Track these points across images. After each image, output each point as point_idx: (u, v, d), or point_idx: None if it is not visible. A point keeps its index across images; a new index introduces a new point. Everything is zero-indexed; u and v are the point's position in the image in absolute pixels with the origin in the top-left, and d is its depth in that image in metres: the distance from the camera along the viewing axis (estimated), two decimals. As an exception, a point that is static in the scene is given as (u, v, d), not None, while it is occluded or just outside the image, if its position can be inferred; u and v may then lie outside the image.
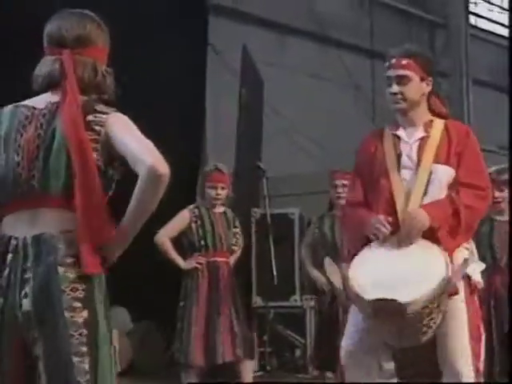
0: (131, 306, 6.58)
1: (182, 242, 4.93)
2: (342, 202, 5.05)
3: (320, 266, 5.09)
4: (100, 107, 2.14)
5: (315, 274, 5.19)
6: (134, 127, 2.11)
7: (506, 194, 4.35)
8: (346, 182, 5.04)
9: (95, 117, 2.11)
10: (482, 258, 4.38)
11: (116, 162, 2.13)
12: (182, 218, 4.86)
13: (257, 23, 9.25)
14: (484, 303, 4.35)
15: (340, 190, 5.08)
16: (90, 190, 2.04)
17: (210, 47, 7.52)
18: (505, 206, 4.47)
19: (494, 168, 4.45)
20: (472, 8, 12.38)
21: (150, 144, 2.05)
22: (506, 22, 13.61)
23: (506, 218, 4.50)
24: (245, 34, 8.24)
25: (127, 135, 2.09)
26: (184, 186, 5.35)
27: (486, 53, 12.51)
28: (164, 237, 4.81)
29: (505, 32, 13.58)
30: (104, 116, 2.12)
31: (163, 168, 2.01)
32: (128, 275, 5.88)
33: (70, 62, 2.13)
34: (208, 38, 7.28)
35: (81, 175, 2.03)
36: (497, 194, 4.37)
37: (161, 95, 6.10)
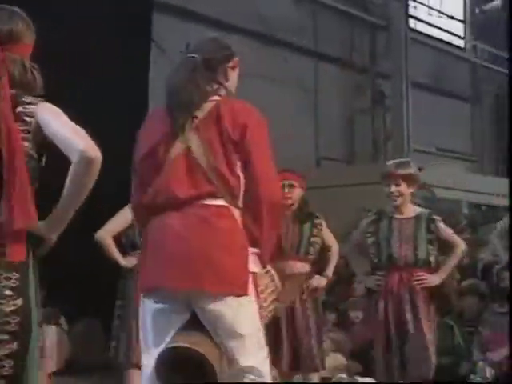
0: (72, 303, 6.49)
1: (121, 240, 4.88)
2: (288, 202, 5.07)
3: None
4: (29, 99, 2.18)
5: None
6: (64, 115, 2.17)
7: (402, 188, 4.28)
8: (292, 182, 5.06)
9: (24, 108, 2.16)
10: (380, 257, 4.39)
11: (48, 150, 2.18)
12: (125, 216, 4.81)
13: (202, 22, 9.22)
14: (380, 302, 4.35)
15: (286, 189, 5.08)
16: (17, 177, 2.08)
17: (155, 44, 7.48)
18: (402, 202, 4.32)
19: (391, 162, 4.40)
20: (412, 11, 12.58)
21: (81, 130, 2.12)
22: (444, 26, 13.89)
23: (405, 215, 4.36)
24: (190, 32, 8.21)
25: (58, 123, 2.14)
26: (128, 184, 5.30)
27: (425, 56, 12.75)
28: (106, 234, 4.77)
29: (443, 36, 13.86)
30: (33, 107, 2.17)
31: (95, 152, 2.10)
32: (71, 271, 5.81)
33: (1, 57, 2.16)
34: (152, 35, 7.24)
35: (9, 164, 2.07)
36: (393, 188, 4.29)
37: (103, 91, 6.03)
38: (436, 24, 13.62)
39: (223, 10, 9.48)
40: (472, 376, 5.82)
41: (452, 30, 14.08)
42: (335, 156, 11.41)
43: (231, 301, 2.50)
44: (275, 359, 4.86)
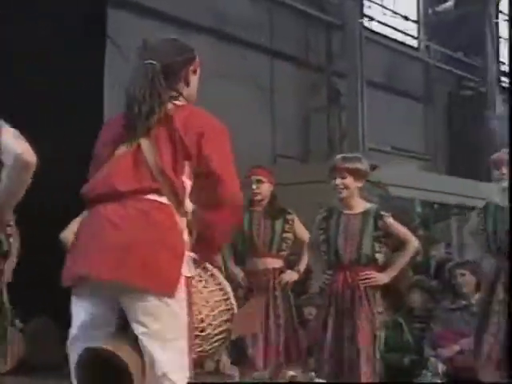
0: (27, 302, 6.40)
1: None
2: (258, 197, 5.08)
3: (241, 263, 5.12)
4: None
5: (236, 271, 5.17)
6: None
7: (348, 181, 4.24)
8: (260, 178, 5.07)
9: None
10: (329, 255, 4.32)
11: None
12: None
13: (158, 18, 9.16)
14: (326, 302, 4.34)
15: (254, 185, 5.09)
16: None
17: (110, 40, 7.40)
18: (347, 195, 4.27)
19: (339, 156, 4.39)
20: (367, 11, 12.69)
21: (16, 133, 2.16)
22: (398, 26, 14.04)
23: (353, 211, 4.30)
24: (145, 29, 8.14)
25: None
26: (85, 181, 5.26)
27: (380, 56, 12.87)
28: (70, 234, 4.71)
29: (398, 36, 14.01)
30: None
31: (30, 156, 2.21)
32: (24, 269, 5.73)
33: None
34: (107, 31, 7.17)
35: None
36: (338, 181, 4.25)
37: (58, 87, 5.96)
38: (390, 24, 13.77)
39: (180, 7, 9.43)
40: (424, 371, 5.91)
41: (406, 31, 14.25)
42: (291, 154, 11.44)
43: (157, 299, 2.41)
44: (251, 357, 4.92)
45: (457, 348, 5.86)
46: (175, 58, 2.61)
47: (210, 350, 2.71)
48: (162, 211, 2.44)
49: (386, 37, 13.44)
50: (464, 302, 6.08)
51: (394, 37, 13.76)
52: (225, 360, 6.55)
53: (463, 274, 6.12)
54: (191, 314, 2.51)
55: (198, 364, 6.95)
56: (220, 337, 2.68)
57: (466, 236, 4.97)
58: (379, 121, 11.69)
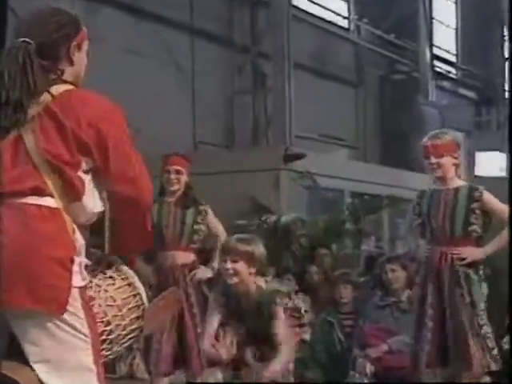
0: None
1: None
2: (175, 187, 5.07)
3: (150, 258, 5.09)
4: None
5: (143, 267, 5.14)
6: None
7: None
8: (179, 168, 5.06)
9: None
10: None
11: None
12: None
13: (66, -10, 8.98)
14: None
15: (173, 176, 5.07)
16: None
17: (11, 12, 7.26)
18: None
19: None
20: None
21: None
22: (328, 5, 14.16)
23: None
24: (49, 0, 7.98)
25: None
26: None
27: (309, 36, 12.95)
28: None
29: (327, 15, 14.12)
30: None
31: None
32: None
33: None
34: (8, 2, 7.04)
35: None
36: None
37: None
38: (319, 2, 13.88)
39: (91, -21, 9.26)
40: (351, 373, 6.02)
41: (336, 10, 14.38)
42: (213, 140, 11.43)
43: (46, 321, 2.33)
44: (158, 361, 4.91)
45: (385, 347, 5.99)
46: (52, 36, 2.42)
47: (120, 351, 2.71)
48: (43, 220, 2.34)
49: (314, 16, 13.52)
50: (393, 299, 6.20)
51: (323, 16, 13.87)
52: (138, 363, 6.52)
53: (393, 270, 6.24)
54: (92, 322, 2.46)
55: (109, 369, 6.91)
56: (131, 336, 2.67)
57: (407, 231, 5.12)
58: (307, 106, 11.78)
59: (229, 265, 4.12)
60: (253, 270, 4.13)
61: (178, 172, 5.06)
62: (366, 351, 6.03)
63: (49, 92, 2.42)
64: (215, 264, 5.09)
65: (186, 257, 5.06)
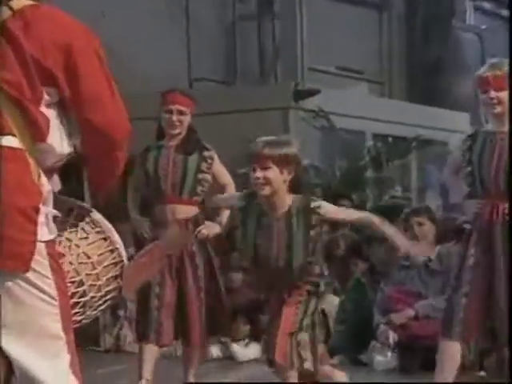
0: None
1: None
2: (176, 131, 5.03)
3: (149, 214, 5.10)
4: None
5: (139, 219, 5.14)
6: None
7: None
8: (183, 108, 5.01)
9: None
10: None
11: None
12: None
13: None
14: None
15: (175, 117, 5.03)
16: None
17: None
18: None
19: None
20: None
21: None
22: None
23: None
24: None
25: None
26: None
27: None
28: None
29: None
30: None
31: None
32: None
33: None
34: None
35: None
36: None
37: None
38: None
39: None
40: (372, 343, 6.06)
41: None
42: (212, 76, 11.38)
43: (6, 280, 2.35)
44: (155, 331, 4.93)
45: (411, 313, 6.01)
46: None
47: (96, 314, 2.72)
48: (4, 161, 2.33)
49: None
50: (422, 258, 6.21)
51: None
52: (126, 334, 6.58)
53: (421, 224, 6.25)
54: (61, 282, 2.46)
55: (91, 341, 6.98)
56: (107, 298, 2.70)
57: (448, 178, 5.01)
58: (322, 33, 11.67)
59: (259, 173, 4.02)
60: (288, 177, 4.03)
61: (181, 113, 5.03)
62: (388, 317, 6.06)
63: (8, 6, 2.39)
64: (223, 218, 5.09)
65: (188, 210, 5.05)
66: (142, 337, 5.08)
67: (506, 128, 4.60)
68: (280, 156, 3.97)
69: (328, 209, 4.07)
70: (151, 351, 5.00)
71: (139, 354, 5.07)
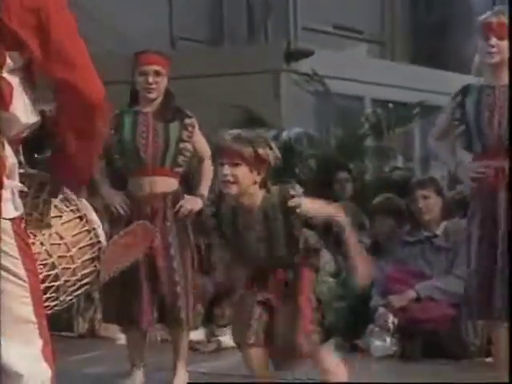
0: None
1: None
2: (153, 95, 5.03)
3: (122, 187, 5.10)
4: None
5: (111, 194, 5.11)
6: None
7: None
8: (159, 69, 5.01)
9: None
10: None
11: None
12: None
13: None
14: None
15: (151, 79, 5.02)
16: None
17: None
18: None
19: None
20: None
21: None
22: None
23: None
24: None
25: None
26: None
27: None
28: None
29: None
30: None
31: None
32: None
33: None
34: None
35: None
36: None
37: None
38: None
39: None
40: (370, 327, 6.09)
41: None
42: (196, 35, 11.38)
43: None
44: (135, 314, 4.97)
45: (412, 294, 6.04)
46: None
47: (71, 300, 2.72)
48: None
49: None
50: (426, 233, 6.23)
51: None
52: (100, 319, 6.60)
53: (426, 197, 6.24)
54: (30, 263, 2.46)
55: (63, 326, 7.01)
56: (83, 282, 2.69)
57: (434, 145, 4.97)
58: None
59: (226, 170, 3.96)
60: (258, 178, 3.95)
61: (157, 74, 5.02)
62: (388, 299, 6.09)
63: None
64: (204, 191, 5.10)
65: (168, 183, 5.06)
66: (119, 321, 5.15)
67: (505, 81, 4.57)
68: (250, 155, 3.89)
69: (308, 208, 3.95)
70: (135, 337, 5.08)
71: (126, 341, 5.20)
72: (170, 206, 5.03)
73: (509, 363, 4.36)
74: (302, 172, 8.68)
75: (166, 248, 4.99)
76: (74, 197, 2.70)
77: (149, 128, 5.05)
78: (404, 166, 9.97)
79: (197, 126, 5.13)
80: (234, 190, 3.91)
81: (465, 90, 4.73)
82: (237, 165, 3.89)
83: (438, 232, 6.19)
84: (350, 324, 6.10)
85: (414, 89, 10.45)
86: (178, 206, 5.01)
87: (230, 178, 3.88)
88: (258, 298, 4.05)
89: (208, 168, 5.06)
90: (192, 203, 5.05)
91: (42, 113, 2.57)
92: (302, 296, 3.99)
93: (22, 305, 2.43)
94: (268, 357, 3.99)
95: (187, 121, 5.09)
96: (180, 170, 5.10)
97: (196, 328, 5.75)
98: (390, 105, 10.15)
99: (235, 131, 3.99)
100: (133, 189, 5.06)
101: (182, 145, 5.06)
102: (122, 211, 5.01)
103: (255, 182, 3.90)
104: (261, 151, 3.89)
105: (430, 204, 6.22)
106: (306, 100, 9.53)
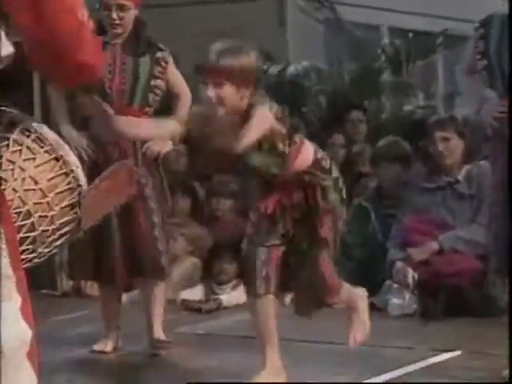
0: None
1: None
2: (118, 30, 5.03)
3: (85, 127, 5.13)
4: None
5: (74, 135, 5.10)
6: None
7: None
8: (123, 2, 4.99)
9: None
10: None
11: None
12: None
13: None
14: None
15: (114, 14, 4.99)
16: None
17: None
18: None
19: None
20: None
21: None
22: None
23: None
24: None
25: None
26: None
27: None
28: None
29: None
30: None
31: None
32: None
33: None
34: None
35: None
36: None
37: None
38: None
39: None
40: (387, 282, 6.13)
41: None
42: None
43: None
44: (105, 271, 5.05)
45: (434, 246, 6.07)
46: None
47: (50, 252, 2.73)
48: None
49: None
50: (447, 179, 6.25)
51: None
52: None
53: (446, 139, 6.23)
54: (3, 212, 2.47)
55: (45, 283, 7.06)
56: (63, 231, 2.68)
57: (460, 77, 4.98)
58: None
59: (210, 91, 4.06)
60: (246, 93, 4.07)
61: (122, 8, 5.01)
62: (407, 252, 6.12)
63: None
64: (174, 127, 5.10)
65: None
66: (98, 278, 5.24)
67: None
68: (235, 69, 4.01)
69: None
70: (111, 295, 5.18)
71: (100, 301, 5.28)
72: (139, 148, 5.07)
73: (509, 363, 4.40)
74: (310, 110, 8.70)
75: (141, 196, 5.03)
76: (49, 135, 2.66)
77: (116, 61, 5.04)
78: (425, 104, 9.96)
79: (171, 61, 5.12)
80: (220, 111, 4.06)
81: (487, 21, 4.69)
82: (221, 85, 4.01)
83: (460, 177, 6.20)
84: (365, 279, 6.18)
85: (436, 16, 10.41)
86: (144, 148, 5.05)
87: (215, 100, 4.02)
88: (266, 242, 4.19)
89: (185, 107, 5.04)
90: (159, 146, 5.08)
91: (16, 44, 2.58)
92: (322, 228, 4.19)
93: None
94: (279, 305, 4.16)
95: (159, 54, 5.07)
96: (150, 110, 5.11)
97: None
98: (410, 34, 10.12)
99: (219, 45, 4.09)
100: (97, 130, 5.00)
101: (153, 82, 5.06)
102: (85, 156, 5.00)
103: (242, 98, 4.04)
104: (246, 62, 4.05)
105: (451, 146, 6.18)
106: (314, 29, 9.51)
